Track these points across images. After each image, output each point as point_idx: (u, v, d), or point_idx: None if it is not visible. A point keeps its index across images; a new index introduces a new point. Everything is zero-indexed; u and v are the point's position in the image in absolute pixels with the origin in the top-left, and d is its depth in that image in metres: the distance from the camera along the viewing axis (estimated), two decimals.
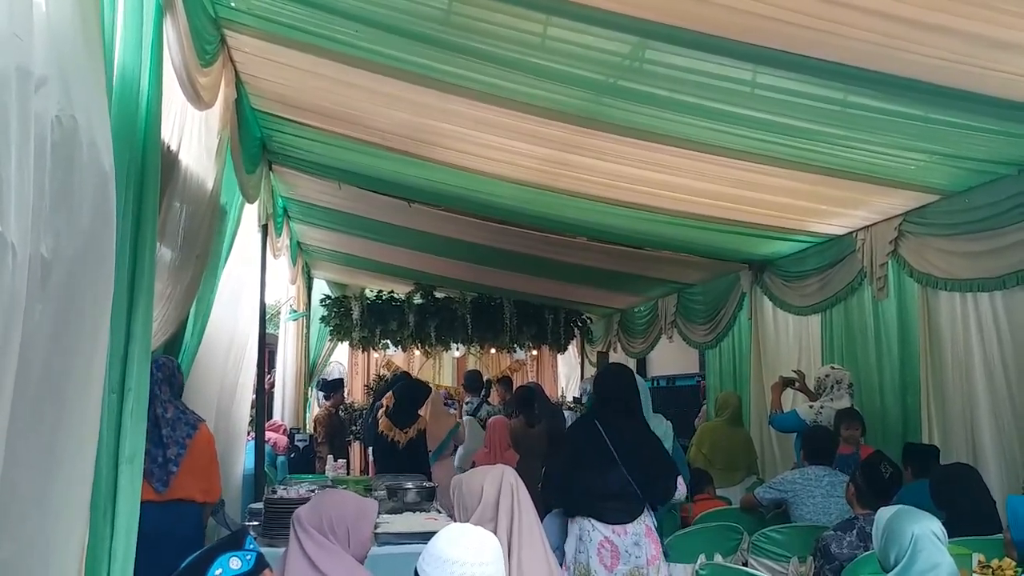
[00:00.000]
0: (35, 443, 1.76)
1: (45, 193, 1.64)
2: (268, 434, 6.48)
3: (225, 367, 4.91)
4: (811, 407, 4.84)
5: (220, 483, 3.71)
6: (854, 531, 3.20)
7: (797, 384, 5.27)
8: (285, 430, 7.23)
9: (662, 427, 4.29)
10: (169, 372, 3.46)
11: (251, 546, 1.99)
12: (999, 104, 2.94)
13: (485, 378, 8.66)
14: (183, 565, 1.95)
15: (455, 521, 2.57)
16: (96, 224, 1.87)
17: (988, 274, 3.85)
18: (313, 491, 3.63)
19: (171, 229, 3.39)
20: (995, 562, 2.85)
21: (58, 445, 1.84)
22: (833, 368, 5.00)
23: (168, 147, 3.09)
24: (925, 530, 2.41)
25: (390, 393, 6.14)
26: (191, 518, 3.36)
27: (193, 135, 3.34)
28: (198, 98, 2.97)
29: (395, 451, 5.87)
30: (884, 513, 2.55)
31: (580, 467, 3.57)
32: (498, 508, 2.39)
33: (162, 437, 3.26)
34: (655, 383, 8.85)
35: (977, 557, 2.88)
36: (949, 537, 2.49)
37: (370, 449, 6.47)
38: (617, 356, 9.76)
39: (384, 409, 6.05)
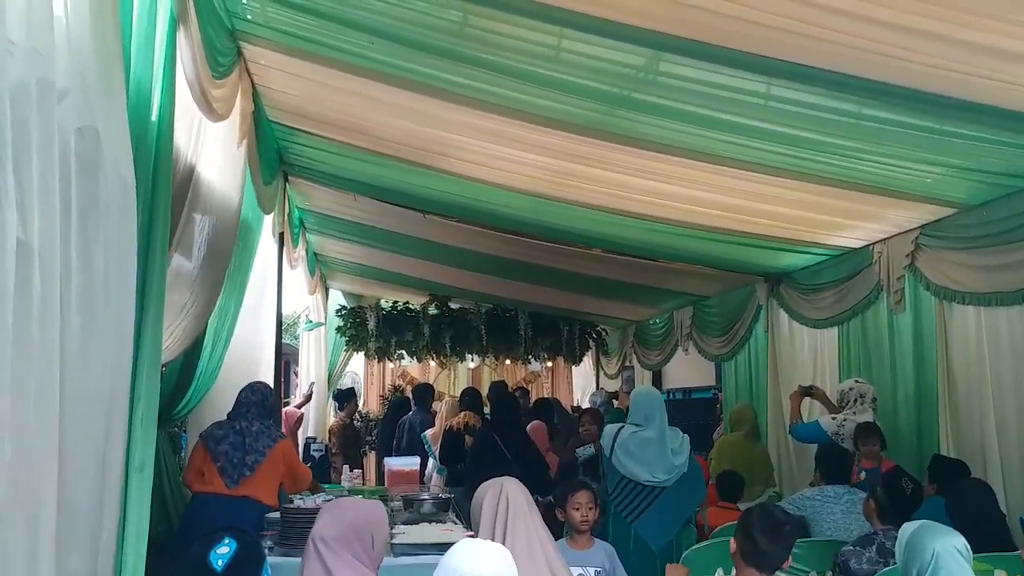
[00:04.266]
0: (89, 456, 1.78)
1: (72, 203, 1.66)
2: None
3: (241, 376, 4.93)
4: (834, 419, 4.78)
5: (279, 489, 4.00)
6: (873, 547, 3.16)
7: (815, 393, 5.22)
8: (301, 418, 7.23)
9: (678, 439, 4.28)
10: (261, 396, 3.95)
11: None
12: (1017, 117, 2.92)
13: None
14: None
15: (472, 532, 2.59)
16: (121, 234, 1.90)
17: (1006, 288, 3.80)
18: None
19: (190, 241, 3.42)
20: None
21: (108, 456, 1.87)
22: (857, 382, 4.94)
23: (187, 159, 3.12)
24: (947, 546, 2.38)
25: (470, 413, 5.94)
26: (252, 513, 3.71)
27: (215, 147, 3.37)
28: (211, 110, 2.99)
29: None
30: (907, 528, 2.53)
31: (483, 469, 3.92)
32: (495, 521, 2.43)
33: (244, 444, 3.76)
34: (671, 396, 8.78)
35: (999, 574, 2.84)
36: None
37: (438, 467, 6.24)
38: (634, 368, 9.73)
39: (465, 427, 5.85)
